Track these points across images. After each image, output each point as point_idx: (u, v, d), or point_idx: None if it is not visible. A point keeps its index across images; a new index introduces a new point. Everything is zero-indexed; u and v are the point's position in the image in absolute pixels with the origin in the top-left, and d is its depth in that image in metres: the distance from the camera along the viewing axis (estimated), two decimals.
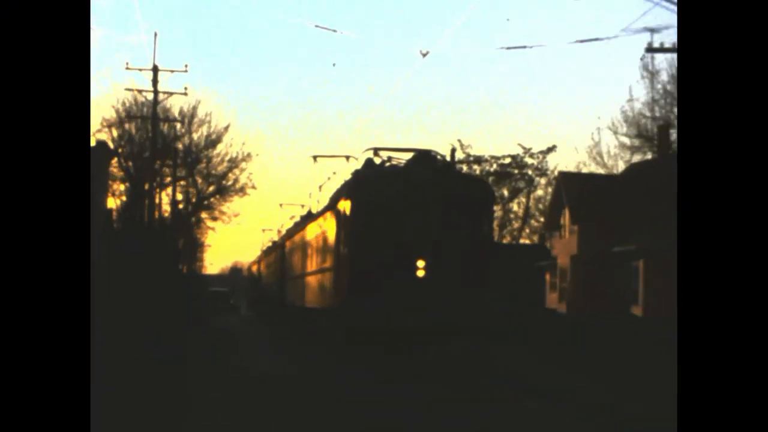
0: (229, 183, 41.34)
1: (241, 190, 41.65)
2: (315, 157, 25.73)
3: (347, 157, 24.79)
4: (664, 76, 33.34)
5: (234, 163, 40.49)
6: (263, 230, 67.72)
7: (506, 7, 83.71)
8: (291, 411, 10.75)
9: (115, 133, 35.11)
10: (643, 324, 23.10)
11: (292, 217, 41.30)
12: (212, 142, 39.42)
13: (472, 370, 14.51)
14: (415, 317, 14.63)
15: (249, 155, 41.58)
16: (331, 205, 17.39)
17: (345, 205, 15.66)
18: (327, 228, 17.77)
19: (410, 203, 15.02)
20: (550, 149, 42.17)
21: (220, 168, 40.53)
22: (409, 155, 16.36)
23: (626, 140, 36.34)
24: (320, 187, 25.09)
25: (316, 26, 74.30)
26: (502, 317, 16.52)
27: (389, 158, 16.61)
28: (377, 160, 16.67)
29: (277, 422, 9.95)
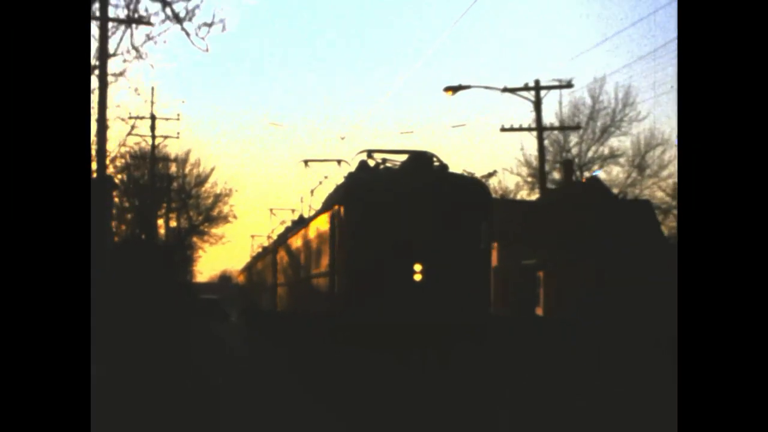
0: (215, 213, 52.83)
1: (225, 219, 53.00)
2: (306, 162, 25.52)
3: (339, 162, 24.58)
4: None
5: (219, 197, 51.74)
6: (253, 236, 67.58)
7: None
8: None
9: (122, 175, 41.28)
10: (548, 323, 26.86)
11: (283, 222, 41.09)
12: (201, 181, 49.65)
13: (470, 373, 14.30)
14: (412, 320, 14.37)
15: (231, 191, 52.81)
16: (325, 209, 17.12)
17: (339, 208, 15.39)
18: (321, 232, 17.49)
19: (406, 205, 14.75)
20: (491, 174, 47.41)
21: (208, 201, 51.68)
22: (403, 157, 16.10)
23: (519, 179, 46.73)
24: (312, 191, 24.87)
25: (270, 123, 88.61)
26: (500, 320, 16.30)
27: (384, 160, 16.35)
28: (371, 163, 16.41)
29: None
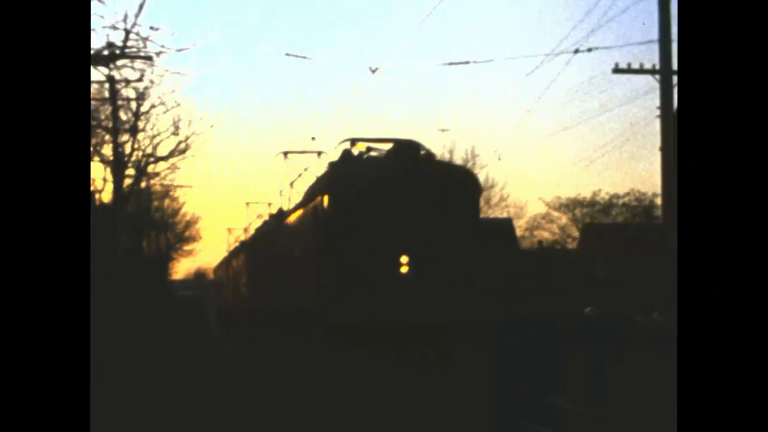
0: (186, 235, 74.25)
1: (194, 239, 75.31)
2: (285, 153, 24.95)
3: (319, 153, 24.05)
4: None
5: (188, 225, 72.56)
6: (229, 230, 68.21)
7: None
8: None
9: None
10: None
11: (260, 216, 40.47)
12: (175, 212, 66.81)
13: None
14: (399, 316, 13.90)
15: (198, 218, 72.43)
16: (307, 200, 16.58)
17: (322, 200, 14.87)
18: (303, 224, 16.95)
19: (392, 196, 14.27)
20: None
21: (180, 226, 71.12)
22: (388, 146, 15.61)
23: None
24: (292, 183, 24.27)
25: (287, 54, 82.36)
26: (492, 315, 15.88)
27: (368, 149, 15.85)
28: (355, 152, 15.89)
29: None
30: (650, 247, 31.27)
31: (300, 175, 24.16)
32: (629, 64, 23.73)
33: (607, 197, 62.49)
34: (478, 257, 14.93)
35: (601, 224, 55.24)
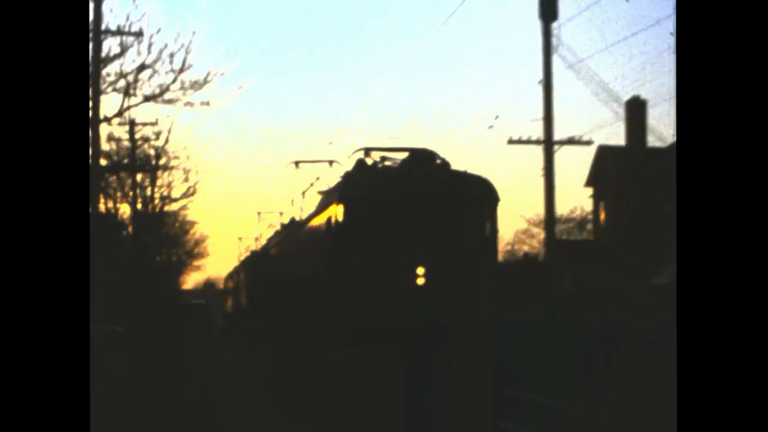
0: (195, 252, 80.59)
1: (201, 255, 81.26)
2: (297, 163, 24.86)
3: (330, 162, 23.92)
4: None
5: (197, 243, 78.38)
6: (240, 238, 69.96)
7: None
8: None
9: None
10: None
11: (271, 226, 40.42)
12: (185, 231, 71.63)
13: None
14: (413, 323, 13.75)
15: (206, 237, 76.99)
16: (322, 209, 16.47)
17: (336, 210, 14.73)
18: (317, 234, 16.83)
19: (407, 205, 14.12)
20: None
21: (190, 244, 77.00)
22: (403, 155, 15.49)
23: None
24: (303, 193, 24.18)
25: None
26: (503, 320, 15.76)
27: (382, 158, 15.73)
28: (369, 161, 15.78)
29: None
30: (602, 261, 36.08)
31: (312, 185, 24.09)
32: (520, 137, 28.25)
33: (583, 214, 64.44)
34: (488, 264, 14.76)
35: (569, 240, 57.86)
